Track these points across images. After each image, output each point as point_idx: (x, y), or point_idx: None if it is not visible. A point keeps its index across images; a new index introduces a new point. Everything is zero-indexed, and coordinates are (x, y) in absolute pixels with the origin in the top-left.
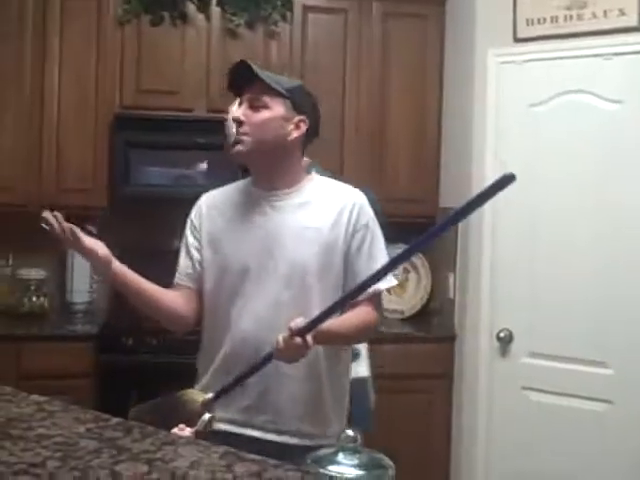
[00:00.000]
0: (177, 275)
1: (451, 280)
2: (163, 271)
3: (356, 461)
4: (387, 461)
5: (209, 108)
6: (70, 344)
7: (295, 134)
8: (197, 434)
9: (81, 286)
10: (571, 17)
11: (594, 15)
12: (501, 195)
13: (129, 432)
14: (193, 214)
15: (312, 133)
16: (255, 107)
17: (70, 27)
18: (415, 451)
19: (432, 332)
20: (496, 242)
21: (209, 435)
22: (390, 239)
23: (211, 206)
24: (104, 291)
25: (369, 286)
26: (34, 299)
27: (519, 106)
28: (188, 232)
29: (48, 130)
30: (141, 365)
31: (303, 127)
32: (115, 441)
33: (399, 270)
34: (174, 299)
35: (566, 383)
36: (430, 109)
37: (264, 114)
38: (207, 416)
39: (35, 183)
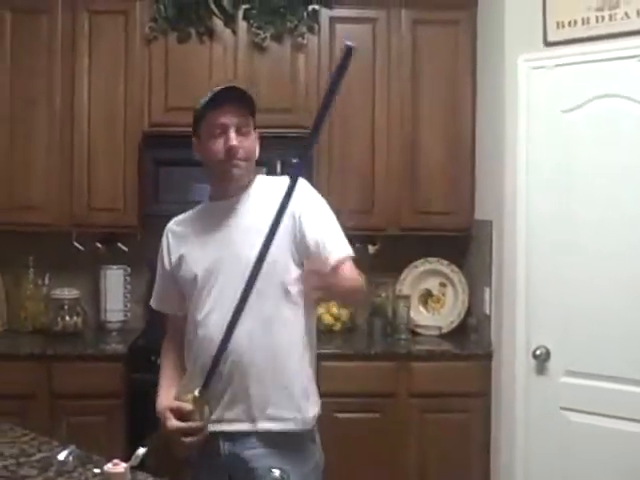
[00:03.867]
0: (158, 303)
1: (487, 295)
2: None
3: None
4: None
5: None
6: (101, 363)
7: (258, 149)
8: (132, 469)
9: (115, 305)
10: (603, 18)
11: (627, 15)
12: (535, 207)
13: (45, 470)
14: (163, 241)
15: None
16: (243, 133)
17: (98, 46)
18: (452, 471)
19: (469, 349)
20: (530, 255)
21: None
22: (426, 253)
23: (176, 231)
24: (138, 310)
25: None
26: (67, 318)
27: (551, 113)
28: (160, 260)
29: (78, 149)
30: None
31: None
32: None
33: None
34: (179, 351)
35: (607, 403)
36: (463, 119)
37: (252, 139)
38: (141, 451)
39: (66, 203)
